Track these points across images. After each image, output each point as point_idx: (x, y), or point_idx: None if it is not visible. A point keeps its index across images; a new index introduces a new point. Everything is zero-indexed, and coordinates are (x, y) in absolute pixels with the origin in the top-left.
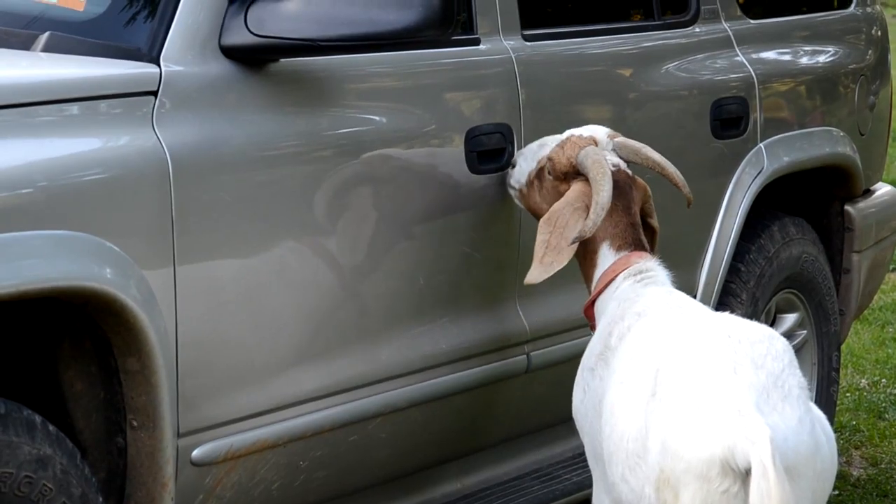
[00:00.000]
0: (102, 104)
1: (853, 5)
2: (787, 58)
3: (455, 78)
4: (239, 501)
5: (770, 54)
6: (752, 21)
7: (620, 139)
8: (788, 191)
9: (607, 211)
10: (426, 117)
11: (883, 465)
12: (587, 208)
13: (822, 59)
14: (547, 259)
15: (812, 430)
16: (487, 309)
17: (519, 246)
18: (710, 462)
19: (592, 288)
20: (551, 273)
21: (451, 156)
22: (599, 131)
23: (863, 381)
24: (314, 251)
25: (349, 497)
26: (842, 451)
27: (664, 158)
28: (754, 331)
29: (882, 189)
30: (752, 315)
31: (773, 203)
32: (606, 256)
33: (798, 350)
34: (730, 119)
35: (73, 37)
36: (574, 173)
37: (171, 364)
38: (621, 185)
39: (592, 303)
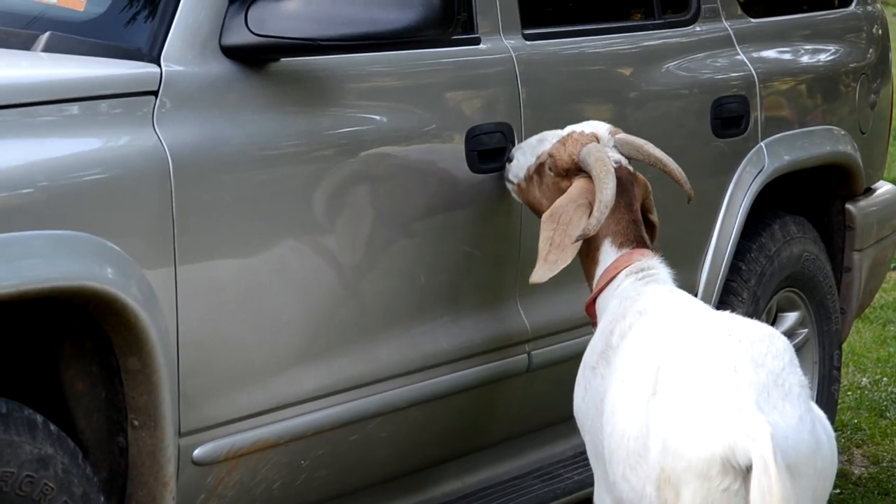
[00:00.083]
0: (103, 104)
1: (854, 4)
2: (787, 56)
3: (455, 77)
4: (240, 500)
5: (771, 53)
6: (752, 20)
7: (622, 135)
8: (789, 189)
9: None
10: (427, 117)
11: (884, 464)
12: (590, 205)
13: (822, 57)
14: (552, 257)
15: (813, 428)
16: (488, 308)
17: (520, 245)
18: (711, 460)
19: (594, 285)
20: (556, 271)
21: (452, 155)
22: (601, 127)
23: (864, 379)
24: (315, 251)
25: (350, 496)
26: (843, 450)
27: (666, 155)
28: (755, 329)
29: (883, 187)
30: (753, 314)
31: (773, 202)
32: (608, 254)
33: (799, 349)
34: (730, 118)
35: (73, 37)
36: (576, 170)
37: (172, 363)
38: (623, 181)
39: (594, 300)
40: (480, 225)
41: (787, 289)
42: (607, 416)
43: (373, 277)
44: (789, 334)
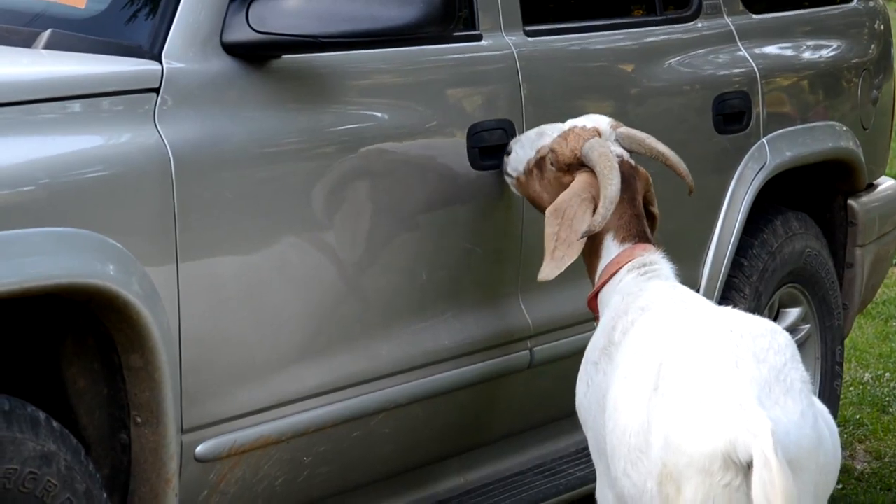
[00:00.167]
0: (104, 101)
1: (855, 0)
2: (789, 52)
3: (457, 74)
4: (243, 497)
5: (772, 49)
6: (754, 16)
7: (623, 129)
8: (791, 185)
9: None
10: (428, 113)
11: (887, 459)
12: (593, 199)
13: (824, 53)
14: (558, 253)
15: (815, 423)
16: (490, 304)
17: (521, 241)
18: (713, 456)
19: (596, 279)
20: (564, 268)
21: (454, 152)
22: (602, 121)
23: (866, 375)
24: (316, 248)
25: (353, 492)
26: (846, 445)
27: (668, 148)
28: (757, 325)
29: (885, 183)
30: (756, 310)
31: (775, 198)
32: (610, 248)
33: (801, 344)
34: (732, 114)
35: (74, 34)
36: (578, 164)
37: (174, 360)
38: (625, 176)
39: (596, 294)
40: (482, 221)
41: (790, 285)
42: (609, 412)
43: (374, 274)
44: (791, 330)
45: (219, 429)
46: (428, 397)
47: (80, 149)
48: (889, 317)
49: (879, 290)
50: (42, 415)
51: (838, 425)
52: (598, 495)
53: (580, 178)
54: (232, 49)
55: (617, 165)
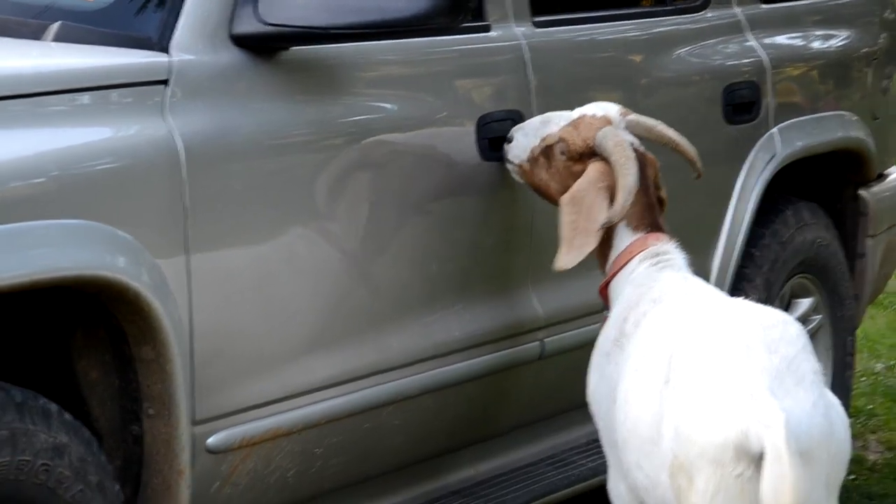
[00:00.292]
0: (113, 93)
1: None
2: (799, 42)
3: (466, 65)
4: (254, 488)
5: (782, 39)
6: (763, 5)
7: (633, 116)
8: (801, 176)
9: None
10: (437, 105)
11: None
12: (609, 188)
13: (834, 42)
14: (577, 241)
15: (826, 413)
16: (500, 296)
17: (532, 232)
18: (724, 446)
19: (607, 268)
20: (583, 256)
21: (463, 143)
22: (611, 109)
23: (878, 365)
24: (326, 239)
25: (364, 484)
26: (858, 436)
27: (678, 134)
28: (768, 315)
29: None
30: (767, 300)
31: (786, 188)
32: (623, 237)
33: (813, 335)
34: (742, 104)
35: (83, 26)
36: (589, 153)
37: (185, 352)
38: (638, 164)
39: (607, 283)
40: (492, 212)
41: (801, 275)
42: (620, 404)
43: (384, 266)
44: (803, 320)
45: (230, 420)
46: (438, 389)
47: (89, 141)
48: None
49: (890, 280)
50: (54, 407)
51: (850, 416)
52: (610, 486)
53: (594, 167)
54: (240, 41)
55: (633, 155)
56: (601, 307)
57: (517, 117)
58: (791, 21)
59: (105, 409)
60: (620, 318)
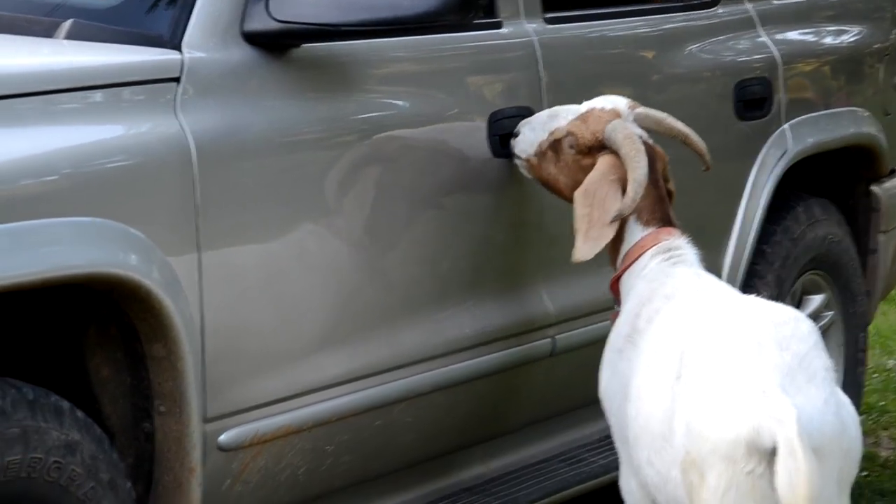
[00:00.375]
0: (125, 91)
1: None
2: (810, 38)
3: (477, 62)
4: (265, 486)
5: (793, 34)
6: (774, 1)
7: (641, 109)
8: (813, 172)
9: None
10: (449, 102)
11: None
12: (620, 181)
13: (845, 38)
14: (593, 233)
15: (837, 410)
16: (512, 292)
17: (543, 229)
18: (736, 443)
19: (619, 263)
20: (600, 248)
21: (474, 139)
22: (620, 102)
23: (890, 361)
24: (337, 236)
25: (375, 481)
26: (870, 432)
27: (687, 126)
28: (780, 312)
29: None
30: (778, 297)
31: (797, 184)
32: (634, 231)
33: (824, 332)
34: (753, 100)
35: (95, 24)
36: (599, 147)
37: (197, 350)
38: (648, 157)
39: (618, 278)
40: (503, 209)
41: (812, 271)
42: (632, 400)
43: (395, 263)
44: (814, 317)
45: (241, 418)
46: (450, 386)
47: (101, 139)
48: None
49: None
50: (66, 404)
51: (862, 412)
52: (622, 483)
53: (605, 160)
54: (252, 38)
55: (643, 148)
56: (612, 304)
57: (528, 114)
58: (802, 17)
59: (117, 406)
60: (633, 314)
